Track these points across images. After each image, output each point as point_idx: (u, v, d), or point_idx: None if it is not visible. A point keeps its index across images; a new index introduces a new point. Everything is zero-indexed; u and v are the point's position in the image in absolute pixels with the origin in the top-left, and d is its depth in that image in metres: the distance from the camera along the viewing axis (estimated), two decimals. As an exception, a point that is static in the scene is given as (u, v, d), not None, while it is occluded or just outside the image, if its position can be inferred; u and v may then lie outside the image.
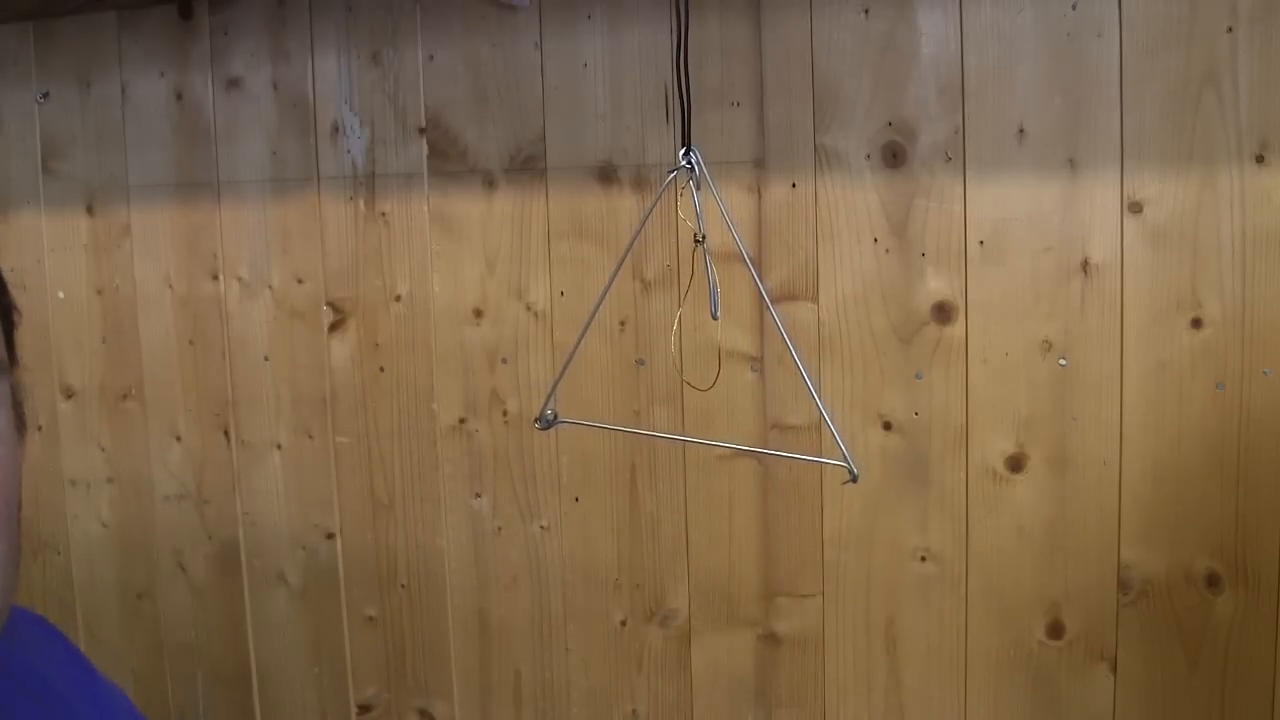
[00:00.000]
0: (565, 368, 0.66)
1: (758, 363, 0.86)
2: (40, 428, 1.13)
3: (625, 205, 0.88)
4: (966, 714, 0.85)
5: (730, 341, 0.86)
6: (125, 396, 1.09)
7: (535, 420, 0.65)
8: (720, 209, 0.60)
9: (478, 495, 0.97)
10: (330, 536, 1.03)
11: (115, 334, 1.07)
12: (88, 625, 1.13)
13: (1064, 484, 0.81)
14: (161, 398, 1.07)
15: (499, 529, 0.97)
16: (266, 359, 1.03)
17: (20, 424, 0.43)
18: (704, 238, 0.57)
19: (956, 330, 0.82)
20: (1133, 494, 0.80)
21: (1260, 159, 0.74)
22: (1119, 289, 0.78)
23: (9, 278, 0.38)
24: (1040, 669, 0.83)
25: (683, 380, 0.88)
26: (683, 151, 0.58)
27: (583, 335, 0.64)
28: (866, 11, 0.81)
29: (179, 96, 1.02)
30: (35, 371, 1.11)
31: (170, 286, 1.05)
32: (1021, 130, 0.79)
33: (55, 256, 1.09)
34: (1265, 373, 0.76)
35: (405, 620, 1.01)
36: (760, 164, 0.85)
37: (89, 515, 1.13)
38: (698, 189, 0.58)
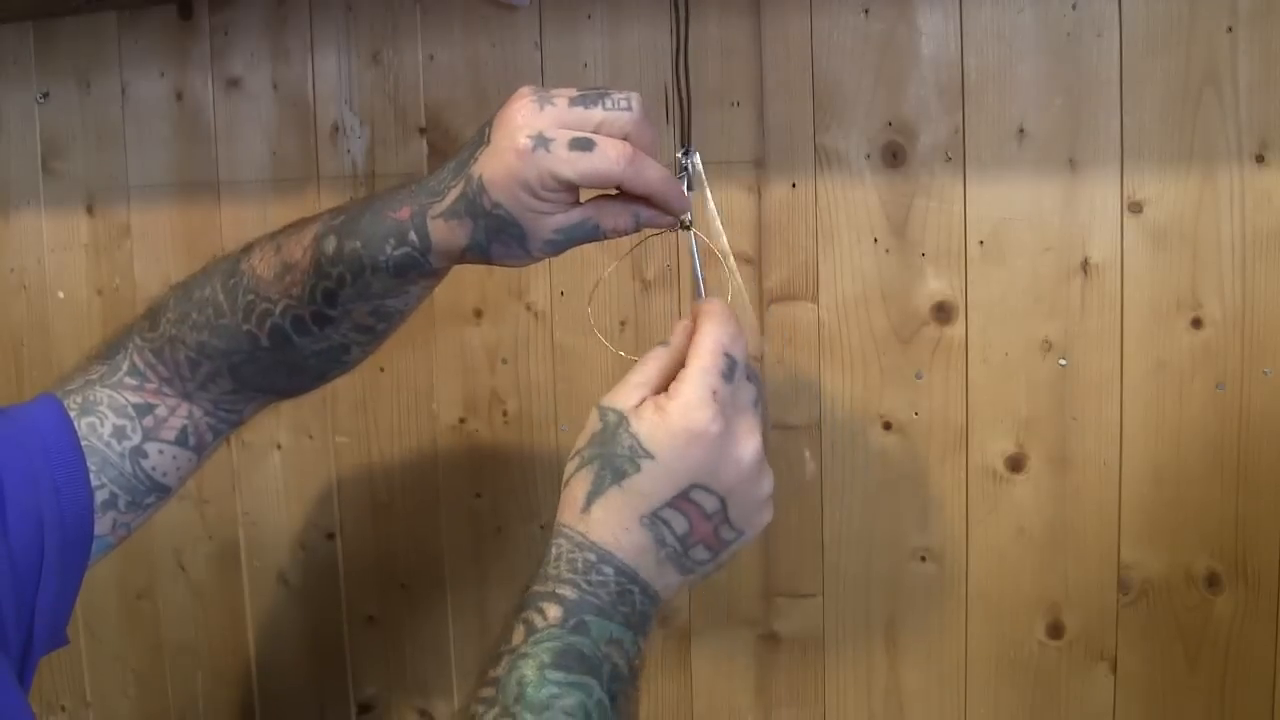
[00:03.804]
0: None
1: (758, 363, 0.86)
2: (40, 428, 1.13)
3: (625, 205, 0.88)
4: (966, 714, 0.85)
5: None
6: (125, 396, 1.09)
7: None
8: (712, 209, 0.60)
9: (478, 495, 0.97)
10: (330, 536, 1.03)
11: (115, 334, 1.07)
12: (88, 625, 1.13)
13: (1064, 484, 0.81)
14: (161, 398, 1.07)
15: (499, 529, 0.97)
16: (266, 359, 1.03)
17: None
18: (691, 222, 0.57)
19: (956, 330, 0.82)
20: (1133, 494, 0.80)
21: (1260, 159, 0.74)
22: (1119, 289, 0.78)
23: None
24: (1040, 669, 0.83)
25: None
26: (681, 152, 0.58)
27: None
28: (866, 11, 0.81)
29: (179, 96, 1.02)
30: (35, 371, 1.11)
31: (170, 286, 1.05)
32: (1021, 130, 0.79)
33: (55, 256, 1.09)
34: (1265, 373, 0.76)
35: (405, 620, 1.01)
36: (760, 164, 0.85)
37: (89, 515, 1.12)
38: (690, 189, 0.58)
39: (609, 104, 0.52)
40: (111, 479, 0.61)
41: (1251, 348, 0.76)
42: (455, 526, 0.98)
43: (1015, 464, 0.82)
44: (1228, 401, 0.77)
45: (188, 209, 1.03)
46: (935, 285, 0.82)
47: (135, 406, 0.63)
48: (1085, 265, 0.79)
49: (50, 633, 0.58)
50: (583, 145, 0.51)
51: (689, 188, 0.59)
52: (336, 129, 0.97)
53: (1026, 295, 0.80)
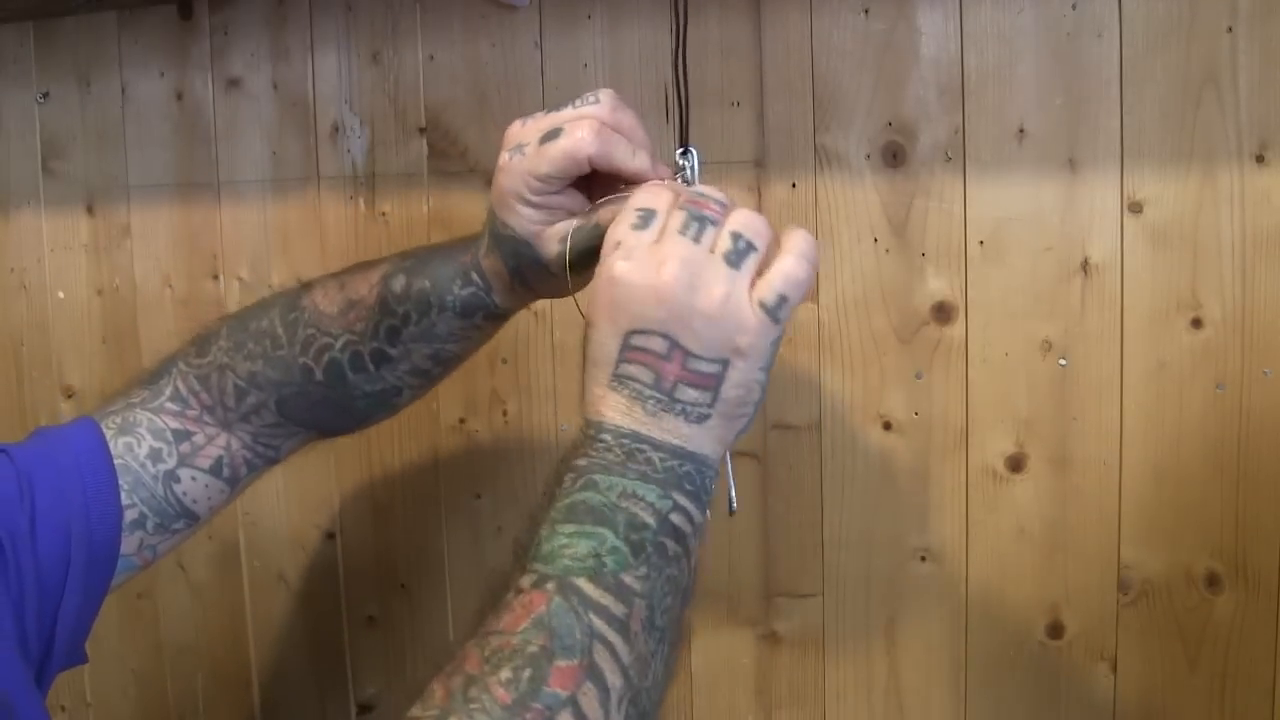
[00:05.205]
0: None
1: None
2: (40, 428, 1.13)
3: (625, 205, 0.88)
4: (966, 714, 0.85)
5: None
6: (125, 396, 1.09)
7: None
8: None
9: (478, 495, 0.97)
10: (330, 536, 1.03)
11: (115, 334, 1.07)
12: (88, 625, 1.13)
13: (1064, 484, 0.81)
14: (161, 398, 1.07)
15: (499, 529, 0.97)
16: (266, 359, 1.03)
17: None
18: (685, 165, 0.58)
19: (956, 330, 0.82)
20: (1133, 494, 0.80)
21: (1260, 159, 0.74)
22: (1119, 289, 0.78)
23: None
24: (1040, 669, 0.83)
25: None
26: (680, 151, 0.59)
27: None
28: (866, 11, 0.81)
29: (179, 96, 1.02)
30: (35, 371, 1.11)
31: (170, 286, 1.05)
32: (1021, 130, 0.79)
33: (55, 256, 1.09)
34: (1265, 373, 0.76)
35: (405, 620, 1.01)
36: (760, 164, 0.85)
37: (89, 515, 1.12)
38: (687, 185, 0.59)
39: (579, 102, 0.54)
40: (143, 499, 0.62)
41: (1251, 348, 0.76)
42: (455, 527, 0.98)
43: (1015, 464, 0.82)
44: (1228, 402, 0.77)
45: (188, 209, 1.03)
46: (935, 285, 0.82)
47: (174, 431, 0.64)
48: (1085, 265, 0.79)
49: (70, 647, 0.59)
50: (551, 136, 0.53)
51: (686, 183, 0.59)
52: (336, 129, 0.97)
53: (1026, 295, 0.80)
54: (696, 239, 0.48)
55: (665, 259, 0.47)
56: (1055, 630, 0.82)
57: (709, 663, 0.91)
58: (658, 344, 0.48)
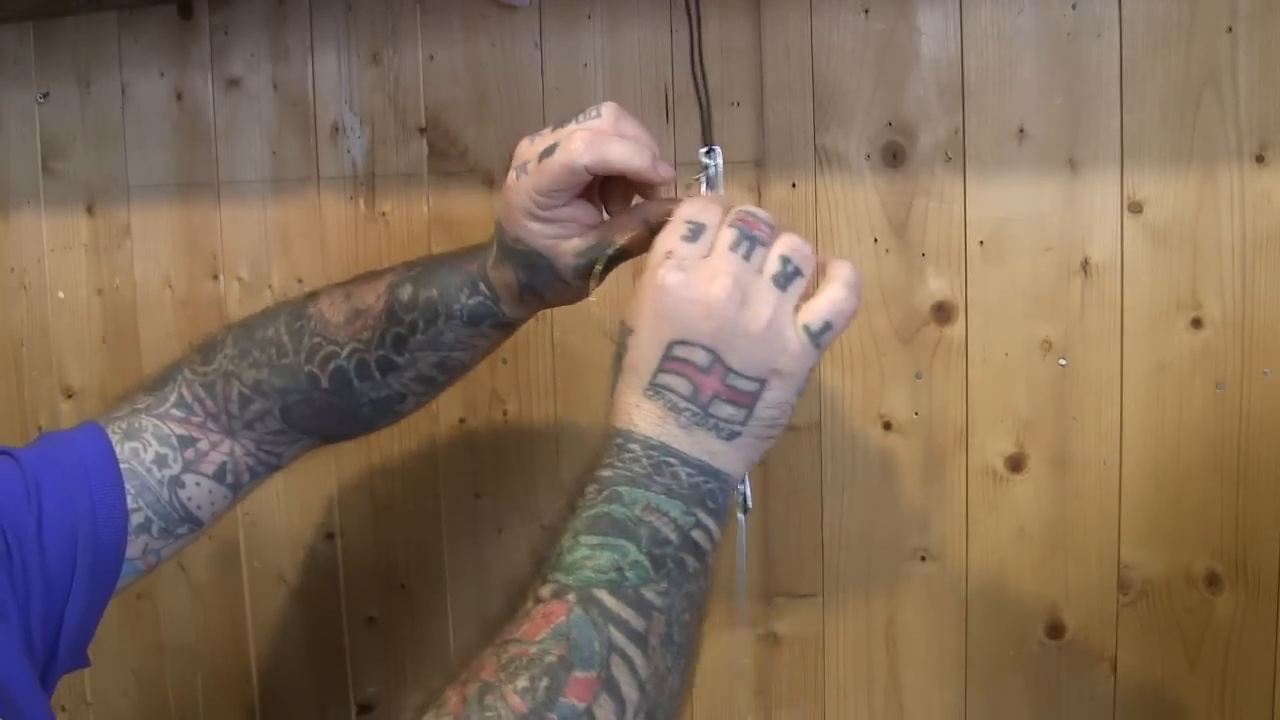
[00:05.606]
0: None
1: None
2: (40, 428, 1.13)
3: (625, 205, 0.88)
4: (966, 714, 0.85)
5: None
6: (125, 396, 1.09)
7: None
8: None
9: (478, 495, 0.97)
10: (330, 536, 1.03)
11: (115, 334, 1.07)
12: (88, 625, 1.13)
13: (1064, 484, 0.81)
14: (161, 398, 1.07)
15: (499, 529, 0.97)
16: (266, 359, 1.03)
17: None
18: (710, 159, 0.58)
19: (956, 330, 0.82)
20: (1133, 494, 0.80)
21: (1260, 159, 0.74)
22: (1119, 289, 0.78)
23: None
24: (1040, 669, 0.83)
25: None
26: (704, 151, 0.59)
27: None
28: (866, 11, 0.81)
29: (179, 96, 1.02)
30: (35, 371, 1.11)
31: (170, 286, 1.05)
32: (1021, 130, 0.79)
33: (55, 256, 1.09)
34: (1265, 373, 0.76)
35: (405, 620, 1.01)
36: (760, 164, 0.85)
37: (89, 515, 1.12)
38: (709, 187, 0.59)
39: (582, 117, 0.55)
40: (148, 504, 0.62)
41: (1251, 348, 0.76)
42: (455, 527, 0.98)
43: (1015, 464, 0.82)
44: (1228, 402, 0.77)
45: (188, 209, 1.03)
46: (935, 285, 0.82)
47: (179, 438, 0.64)
48: (1085, 265, 0.79)
49: (73, 650, 0.59)
50: (549, 153, 0.54)
51: (709, 187, 0.59)
52: (336, 129, 0.97)
53: (1026, 295, 0.80)
54: (746, 257, 0.49)
55: (716, 274, 0.48)
56: (1055, 630, 0.82)
57: (709, 663, 0.91)
58: (700, 356, 0.48)
